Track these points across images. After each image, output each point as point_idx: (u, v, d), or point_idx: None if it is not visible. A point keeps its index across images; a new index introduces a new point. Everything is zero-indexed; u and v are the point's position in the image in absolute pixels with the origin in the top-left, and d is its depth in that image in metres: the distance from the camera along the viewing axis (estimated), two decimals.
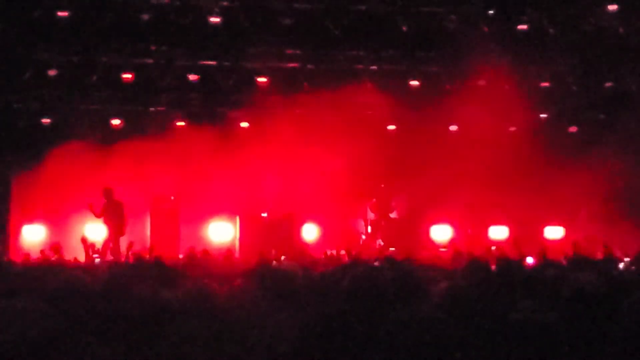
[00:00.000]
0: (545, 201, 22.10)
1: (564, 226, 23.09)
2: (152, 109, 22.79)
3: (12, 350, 3.61)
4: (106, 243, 19.80)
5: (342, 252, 19.58)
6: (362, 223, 22.97)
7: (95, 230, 20.63)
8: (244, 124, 23.11)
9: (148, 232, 21.91)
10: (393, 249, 21.36)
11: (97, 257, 19.54)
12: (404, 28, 22.04)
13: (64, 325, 3.76)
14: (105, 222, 19.84)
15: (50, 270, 6.53)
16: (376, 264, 11.25)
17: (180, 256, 18.81)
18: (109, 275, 5.53)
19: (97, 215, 19.71)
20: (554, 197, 21.90)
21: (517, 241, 18.13)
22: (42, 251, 19.56)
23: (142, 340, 4.33)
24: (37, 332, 3.67)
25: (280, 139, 21.70)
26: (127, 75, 22.00)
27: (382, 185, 22.72)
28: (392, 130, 23.50)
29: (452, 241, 23.22)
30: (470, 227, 23.28)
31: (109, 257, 18.87)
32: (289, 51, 22.52)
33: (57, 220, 21.95)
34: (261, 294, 5.74)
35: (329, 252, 19.95)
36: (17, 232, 21.72)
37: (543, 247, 16.80)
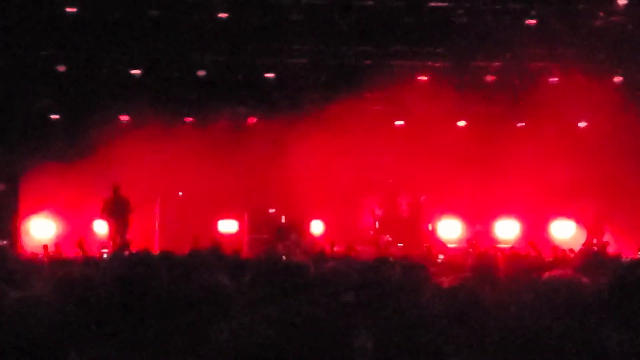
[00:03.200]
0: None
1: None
2: (160, 105, 22.77)
3: (27, 341, 3.64)
4: (112, 238, 19.92)
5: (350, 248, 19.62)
6: (370, 219, 22.99)
7: (103, 225, 20.79)
8: (252, 120, 23.13)
9: (156, 228, 21.97)
10: (401, 244, 21.41)
11: (105, 252, 19.63)
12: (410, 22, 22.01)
13: (76, 315, 3.79)
14: (111, 218, 19.97)
15: (60, 263, 6.57)
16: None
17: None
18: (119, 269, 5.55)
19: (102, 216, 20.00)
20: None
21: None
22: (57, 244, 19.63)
23: (150, 332, 4.35)
24: (50, 322, 3.70)
25: (288, 135, 21.72)
26: (136, 72, 22.01)
27: (390, 181, 22.74)
28: (401, 126, 23.48)
29: (460, 237, 23.27)
30: (479, 223, 23.29)
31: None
32: (297, 47, 22.48)
33: (65, 214, 22.04)
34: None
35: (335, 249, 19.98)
36: (26, 225, 21.81)
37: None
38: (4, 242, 20.39)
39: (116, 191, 20.15)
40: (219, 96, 22.69)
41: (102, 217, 20.28)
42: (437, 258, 17.32)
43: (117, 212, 19.97)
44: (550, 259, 13.65)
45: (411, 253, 16.18)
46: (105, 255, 18.83)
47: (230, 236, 22.27)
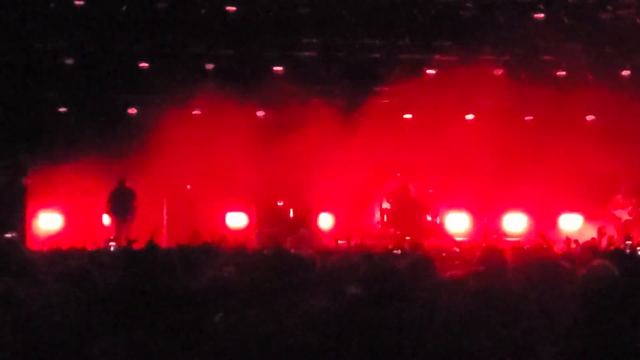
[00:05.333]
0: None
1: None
2: (167, 98, 22.75)
3: (45, 332, 3.66)
4: (117, 230, 19.96)
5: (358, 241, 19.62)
6: (378, 212, 22.97)
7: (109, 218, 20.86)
8: (260, 113, 23.10)
9: (165, 221, 21.97)
10: (409, 238, 21.37)
11: (112, 244, 19.67)
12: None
13: (88, 308, 3.81)
14: (116, 210, 19.97)
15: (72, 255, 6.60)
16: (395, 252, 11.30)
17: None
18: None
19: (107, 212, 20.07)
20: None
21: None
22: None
23: (161, 326, 4.37)
24: (64, 314, 3.71)
25: (296, 128, 21.70)
26: (144, 65, 22.00)
27: (398, 174, 22.72)
28: (409, 119, 23.44)
29: (468, 230, 23.25)
30: (486, 215, 23.26)
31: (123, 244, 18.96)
32: (305, 40, 22.47)
33: (72, 209, 22.06)
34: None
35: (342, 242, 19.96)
36: (34, 219, 21.85)
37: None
38: (12, 234, 20.40)
39: (122, 183, 20.10)
40: (227, 88, 22.65)
41: (107, 210, 20.15)
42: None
43: (122, 204, 19.93)
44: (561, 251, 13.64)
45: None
46: (112, 248, 18.87)
47: (239, 229, 22.26)
